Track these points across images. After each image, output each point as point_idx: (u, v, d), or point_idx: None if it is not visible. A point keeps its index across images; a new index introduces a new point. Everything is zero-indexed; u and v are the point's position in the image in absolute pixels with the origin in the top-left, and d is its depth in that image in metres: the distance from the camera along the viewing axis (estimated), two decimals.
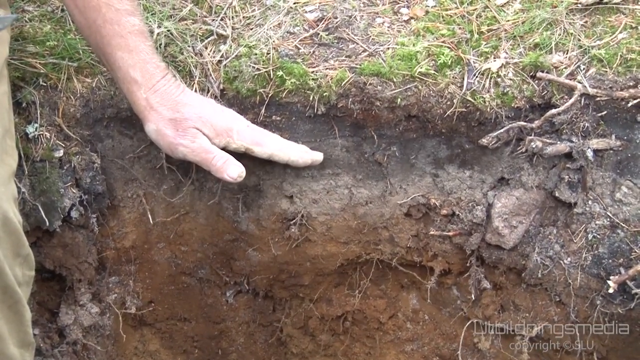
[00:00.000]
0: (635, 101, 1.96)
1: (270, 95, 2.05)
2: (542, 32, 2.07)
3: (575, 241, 2.11)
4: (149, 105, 1.88)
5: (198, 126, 1.90)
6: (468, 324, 2.43)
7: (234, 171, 1.91)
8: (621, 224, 2.05)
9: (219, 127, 1.93)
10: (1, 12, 1.83)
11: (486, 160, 2.14)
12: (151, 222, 2.18)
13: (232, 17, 2.19)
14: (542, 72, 2.00)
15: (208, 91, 2.08)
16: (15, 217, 1.65)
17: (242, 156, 1.98)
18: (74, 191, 2.07)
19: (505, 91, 2.00)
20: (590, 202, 2.07)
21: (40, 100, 2.03)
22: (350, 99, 2.03)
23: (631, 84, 1.97)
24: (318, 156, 2.11)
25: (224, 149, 1.95)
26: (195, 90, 2.06)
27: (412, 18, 2.17)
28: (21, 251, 1.68)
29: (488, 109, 2.01)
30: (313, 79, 2.02)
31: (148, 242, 2.33)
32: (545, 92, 2.00)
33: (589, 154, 2.00)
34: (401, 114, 2.05)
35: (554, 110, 1.98)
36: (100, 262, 2.28)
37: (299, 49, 2.10)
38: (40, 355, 2.09)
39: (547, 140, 2.02)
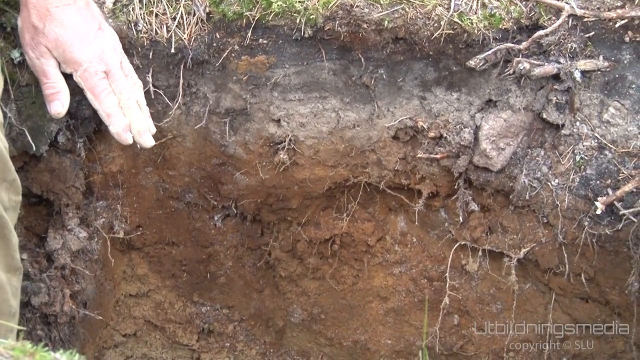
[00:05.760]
0: (622, 22, 1.96)
1: (256, 18, 2.03)
2: None
3: (562, 163, 2.12)
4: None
5: (50, 47, 1.86)
6: (456, 246, 2.45)
7: (55, 107, 1.89)
8: (609, 145, 2.06)
9: (69, 58, 1.88)
10: None
11: (474, 83, 2.14)
12: (138, 146, 2.18)
13: None
14: None
15: (194, 14, 2.06)
16: (1, 143, 1.64)
17: None
18: None
19: (492, 12, 1.99)
20: (577, 123, 2.08)
21: None
22: (337, 22, 2.01)
23: (619, 4, 1.96)
24: (146, 142, 2.02)
25: (70, 75, 1.91)
26: (182, 15, 2.04)
27: None
28: (7, 176, 1.68)
29: (475, 31, 2.00)
30: (300, 2, 2.00)
31: (135, 167, 2.33)
32: (533, 13, 1.99)
33: (577, 75, 2.00)
34: (388, 36, 2.04)
35: (541, 32, 1.98)
36: (88, 187, 2.28)
37: None
38: (29, 279, 2.10)
39: (535, 62, 2.02)
